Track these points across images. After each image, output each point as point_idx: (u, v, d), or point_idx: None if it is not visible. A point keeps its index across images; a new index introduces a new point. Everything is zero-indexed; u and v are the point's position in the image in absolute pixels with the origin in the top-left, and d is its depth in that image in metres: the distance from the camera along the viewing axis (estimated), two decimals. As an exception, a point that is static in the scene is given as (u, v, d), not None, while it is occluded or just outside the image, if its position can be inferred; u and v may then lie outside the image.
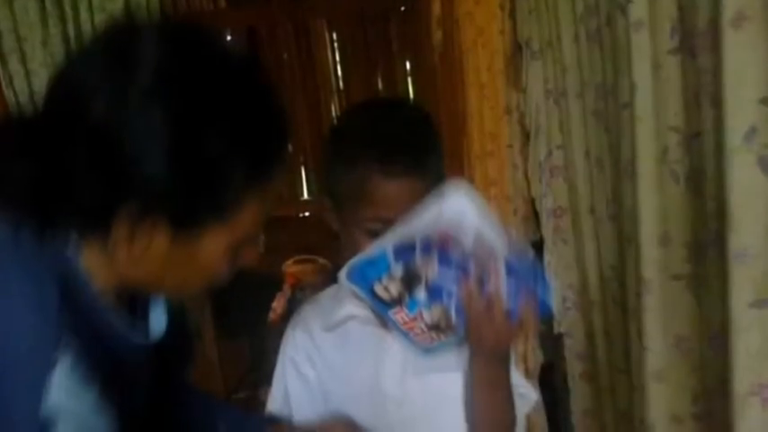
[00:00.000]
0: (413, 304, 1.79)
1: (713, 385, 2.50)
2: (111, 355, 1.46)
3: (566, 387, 3.78)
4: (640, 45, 2.48)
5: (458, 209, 1.61)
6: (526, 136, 3.88)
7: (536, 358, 3.95)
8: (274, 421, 2.08)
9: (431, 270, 1.72)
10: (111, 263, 1.41)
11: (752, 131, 1.99)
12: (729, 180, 2.05)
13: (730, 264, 2.08)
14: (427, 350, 1.91)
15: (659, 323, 2.61)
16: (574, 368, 3.74)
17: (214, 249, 1.44)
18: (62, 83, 1.36)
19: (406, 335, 1.88)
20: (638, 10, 2.47)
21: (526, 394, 2.09)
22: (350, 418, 2.00)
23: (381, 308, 1.83)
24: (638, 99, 2.51)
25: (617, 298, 3.22)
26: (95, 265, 1.43)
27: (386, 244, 1.71)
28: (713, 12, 2.15)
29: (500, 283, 1.68)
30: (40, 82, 3.97)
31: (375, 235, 1.78)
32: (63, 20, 4.02)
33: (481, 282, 1.69)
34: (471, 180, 3.81)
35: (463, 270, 1.69)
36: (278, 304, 5.51)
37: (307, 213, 7.23)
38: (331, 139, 1.99)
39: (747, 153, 2.01)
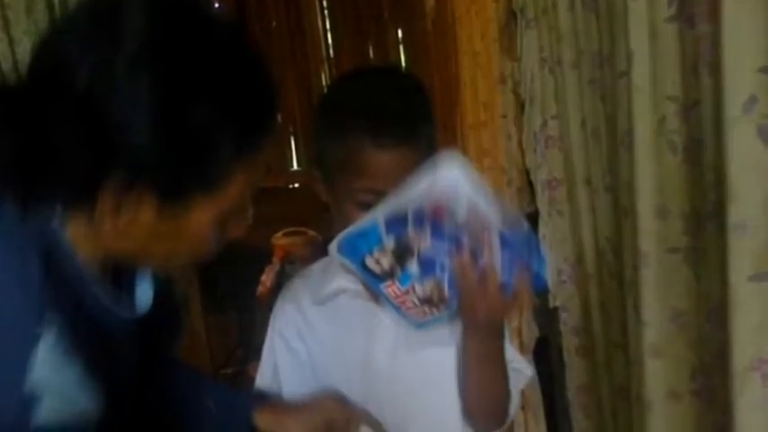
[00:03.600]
0: (405, 278, 1.77)
1: (712, 360, 2.48)
2: (96, 329, 1.45)
3: (561, 362, 3.76)
4: (637, 13, 2.45)
5: (451, 180, 1.58)
6: (520, 105, 3.83)
7: (531, 333, 3.93)
8: (263, 397, 2.06)
9: (423, 243, 1.70)
10: (97, 235, 1.38)
11: (751, 101, 1.96)
12: (728, 150, 2.02)
13: (729, 236, 2.05)
14: (420, 324, 1.89)
15: (657, 297, 2.59)
16: (569, 343, 3.72)
17: (201, 221, 1.41)
18: (46, 52, 1.33)
19: (397, 309, 1.86)
20: (635, -24, 2.44)
21: (521, 369, 2.08)
22: (340, 393, 1.99)
23: (373, 281, 1.81)
24: (635, 68, 2.47)
25: (613, 271, 3.20)
26: (80, 238, 1.40)
27: (377, 216, 1.69)
28: (712, -22, 2.12)
29: (494, 256, 1.66)
30: (24, 50, 3.93)
31: (366, 207, 1.75)
32: (48, -14, 3.98)
33: (474, 254, 1.67)
34: (464, 150, 3.79)
35: (456, 242, 1.67)
36: (267, 277, 5.52)
37: (296, 185, 7.25)
38: (321, 110, 1.96)
39: (747, 123, 1.98)
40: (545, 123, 3.64)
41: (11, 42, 3.96)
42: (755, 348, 2.07)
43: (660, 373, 2.63)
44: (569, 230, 3.61)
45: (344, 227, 1.75)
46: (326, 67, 7.26)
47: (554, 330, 3.84)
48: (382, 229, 1.70)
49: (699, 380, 2.59)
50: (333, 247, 1.78)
